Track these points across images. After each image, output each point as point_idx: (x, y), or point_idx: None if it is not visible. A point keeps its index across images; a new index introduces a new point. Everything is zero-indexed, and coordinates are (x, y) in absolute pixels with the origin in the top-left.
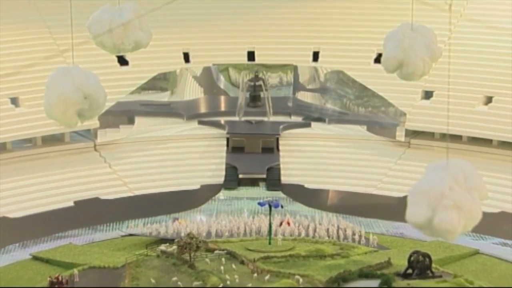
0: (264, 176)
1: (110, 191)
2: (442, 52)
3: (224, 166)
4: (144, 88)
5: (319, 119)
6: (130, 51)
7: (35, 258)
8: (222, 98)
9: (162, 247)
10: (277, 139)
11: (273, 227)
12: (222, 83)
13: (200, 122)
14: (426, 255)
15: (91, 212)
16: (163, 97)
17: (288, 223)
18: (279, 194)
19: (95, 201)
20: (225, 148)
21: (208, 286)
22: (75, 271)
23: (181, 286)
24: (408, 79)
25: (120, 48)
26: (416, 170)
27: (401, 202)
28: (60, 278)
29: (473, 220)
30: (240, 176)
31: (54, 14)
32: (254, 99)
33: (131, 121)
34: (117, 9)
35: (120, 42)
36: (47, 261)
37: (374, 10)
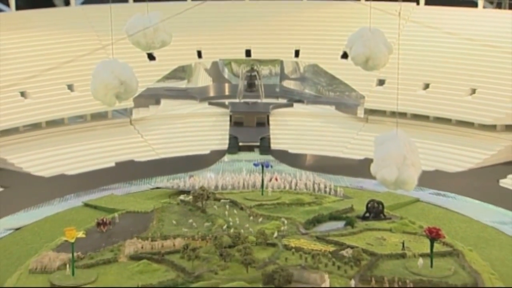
0: (258, 143)
1: (142, 155)
2: (393, 47)
3: (227, 136)
4: (167, 77)
5: (299, 101)
6: (157, 49)
7: (86, 205)
8: (226, 85)
9: (181, 197)
10: (268, 116)
11: (265, 182)
12: (226, 73)
13: (210, 103)
14: (379, 203)
15: (127, 171)
16: (182, 84)
17: (276, 179)
18: (269, 157)
19: (131, 162)
20: (228, 123)
21: (215, 226)
22: (116, 214)
23: (195, 226)
24: (373, 69)
25: (150, 46)
26: (372, 139)
27: (361, 163)
28: (104, 219)
29: (419, 174)
30: (240, 144)
31: (99, 20)
32: (250, 85)
33: (158, 102)
34: (146, 17)
35: (151, 41)
36: (95, 207)
37: (339, 17)
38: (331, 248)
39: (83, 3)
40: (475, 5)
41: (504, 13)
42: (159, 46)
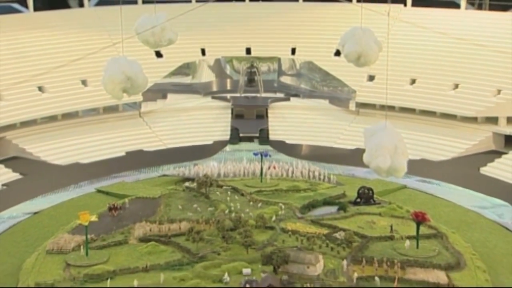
0: (257, 134)
1: (150, 145)
2: (382, 45)
3: (229, 128)
4: (174, 73)
5: (296, 95)
6: (164, 47)
7: (99, 191)
8: (228, 80)
9: (186, 184)
10: (266, 109)
11: (264, 170)
12: (228, 70)
13: (213, 97)
14: (370, 189)
15: (137, 160)
16: (187, 80)
17: (274, 167)
18: (268, 147)
19: (140, 152)
20: (230, 115)
21: (218, 211)
22: (126, 200)
23: (200, 210)
24: (364, 66)
25: (158, 44)
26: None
27: (353, 153)
28: (115, 204)
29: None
30: (241, 135)
31: (111, 21)
32: (250, 81)
33: (164, 96)
34: (154, 17)
35: (158, 40)
36: (107, 193)
37: (332, 18)
38: (325, 231)
39: (96, 4)
40: (457, 6)
41: (485, 13)
42: (166, 44)
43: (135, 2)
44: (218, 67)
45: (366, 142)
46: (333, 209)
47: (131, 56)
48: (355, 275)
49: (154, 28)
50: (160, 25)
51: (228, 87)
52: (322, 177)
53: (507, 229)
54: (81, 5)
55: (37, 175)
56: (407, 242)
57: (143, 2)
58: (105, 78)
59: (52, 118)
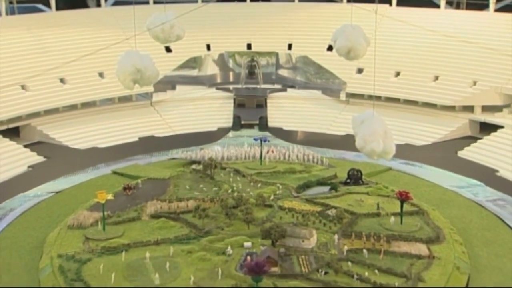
0: (257, 122)
1: (160, 131)
2: (370, 41)
3: (232, 116)
4: (182, 66)
5: (292, 86)
6: (173, 42)
7: (114, 172)
8: (231, 73)
9: (193, 166)
10: (265, 99)
11: (263, 154)
12: (231, 63)
13: (217, 88)
14: (358, 170)
15: (148, 144)
16: (194, 72)
17: (272, 151)
18: (267, 133)
19: (151, 137)
20: (232, 104)
21: (222, 190)
22: (139, 180)
23: (205, 190)
24: (353, 59)
25: (167, 40)
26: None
27: (343, 138)
28: (129, 184)
29: None
30: (242, 122)
31: (125, 19)
32: (251, 73)
33: (173, 87)
34: (163, 15)
35: (168, 36)
36: (122, 174)
37: (325, 16)
38: (318, 208)
39: (112, 4)
40: (437, 6)
41: (462, 12)
42: (175, 40)
43: (147, 2)
44: (221, 61)
45: (357, 129)
46: (326, 189)
47: (143, 50)
48: (345, 248)
49: (164, 25)
50: (169, 22)
51: (231, 79)
52: (315, 160)
53: (481, 206)
54: (98, 5)
55: (59, 158)
56: (392, 218)
57: (154, 2)
58: (118, 70)
59: (72, 107)
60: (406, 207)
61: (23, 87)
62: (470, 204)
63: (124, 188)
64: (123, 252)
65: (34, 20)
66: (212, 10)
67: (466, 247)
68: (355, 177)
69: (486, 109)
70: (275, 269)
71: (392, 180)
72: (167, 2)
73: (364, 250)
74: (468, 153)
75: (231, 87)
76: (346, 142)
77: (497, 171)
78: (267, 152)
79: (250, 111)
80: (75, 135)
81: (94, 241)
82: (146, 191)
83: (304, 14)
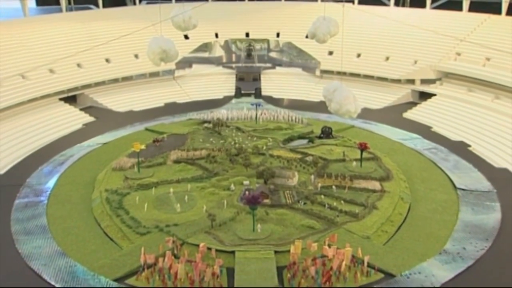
0: (253, 91)
1: (181, 98)
2: (339, 30)
3: (234, 87)
4: (196, 50)
5: (279, 65)
6: (190, 30)
7: (146, 129)
8: (233, 55)
9: (205, 124)
10: (259, 74)
11: (258, 116)
12: (233, 48)
13: (223, 66)
14: (329, 127)
15: (171, 108)
16: (205, 54)
17: (265, 114)
18: (260, 100)
19: (174, 103)
20: (235, 78)
21: (227, 142)
22: (165, 135)
23: (214, 142)
24: (319, 42)
25: (186, 28)
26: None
27: (318, 104)
28: (158, 138)
29: None
30: (242, 91)
31: (154, 14)
32: (248, 55)
33: (190, 66)
34: (183, 9)
35: (187, 25)
36: (152, 131)
37: (304, 11)
38: (299, 156)
39: (146, 3)
40: (387, 4)
41: (406, 9)
42: (192, 28)
43: (170, 1)
44: (226, 46)
45: (330, 96)
46: (305, 141)
47: (166, 35)
48: (319, 185)
49: (184, 15)
50: (188, 13)
51: (233, 60)
52: (297, 120)
53: (420, 153)
54: (134, 3)
55: (105, 118)
56: (354, 163)
57: (176, 1)
58: (148, 50)
59: (115, 80)
60: (365, 154)
61: (78, 65)
62: (411, 152)
63: (154, 141)
64: (153, 188)
65: (86, 15)
66: (219, 7)
67: (408, 184)
68: (327, 133)
69: (424, 81)
70: (267, 201)
71: (354, 135)
72: (185, 0)
73: (333, 186)
74: (410, 114)
75: (233, 65)
76: (320, 106)
77: (431, 127)
78: (261, 114)
79: (248, 83)
80: (117, 101)
81: (131, 179)
82: (170, 143)
83: (289, 10)
